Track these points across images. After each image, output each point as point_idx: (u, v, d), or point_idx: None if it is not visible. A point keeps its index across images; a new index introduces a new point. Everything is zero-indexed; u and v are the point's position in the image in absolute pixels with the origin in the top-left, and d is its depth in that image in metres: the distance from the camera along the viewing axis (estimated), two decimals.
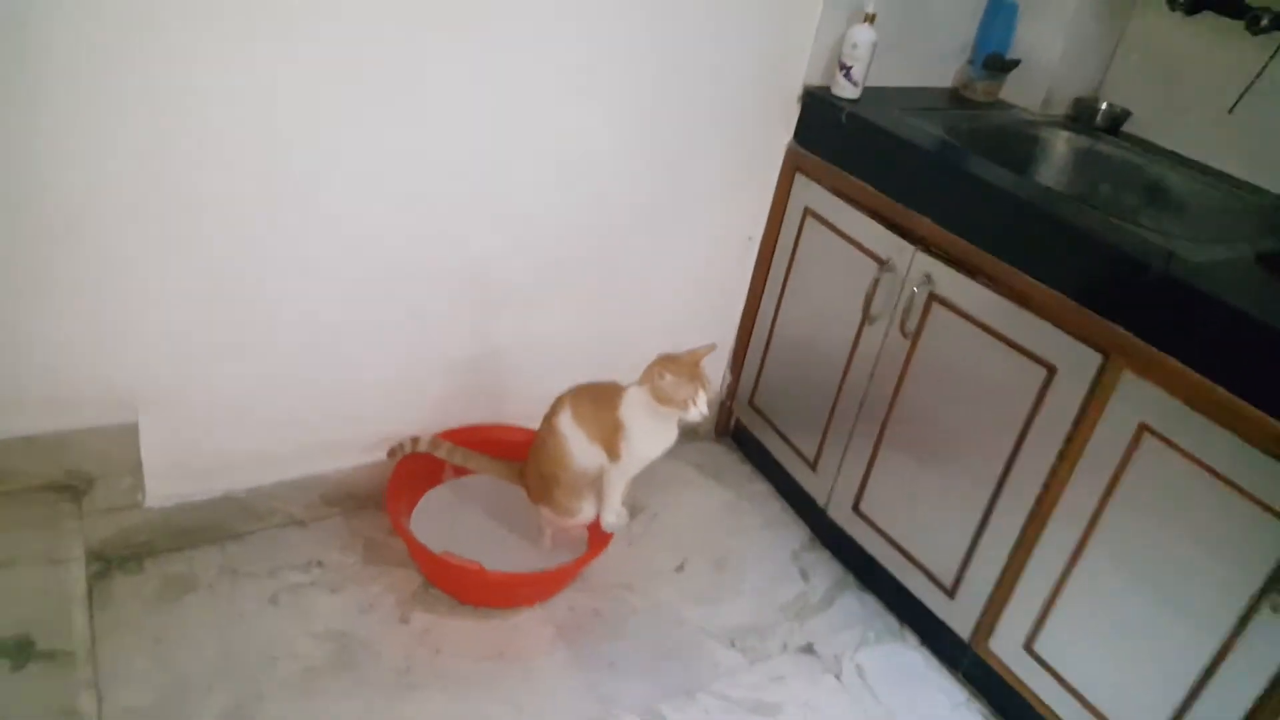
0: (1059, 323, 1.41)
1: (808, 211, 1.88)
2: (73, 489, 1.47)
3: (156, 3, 1.24)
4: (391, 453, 1.70)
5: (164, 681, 1.39)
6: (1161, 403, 1.28)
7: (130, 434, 1.49)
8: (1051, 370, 1.42)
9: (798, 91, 1.86)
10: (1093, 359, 1.36)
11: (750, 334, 2.08)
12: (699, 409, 1.48)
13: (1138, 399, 1.31)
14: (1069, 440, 1.41)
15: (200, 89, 1.32)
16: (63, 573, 1.34)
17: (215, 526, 1.65)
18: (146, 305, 1.43)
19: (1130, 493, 1.34)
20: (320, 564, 1.66)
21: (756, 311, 2.06)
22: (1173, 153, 1.86)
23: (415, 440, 1.70)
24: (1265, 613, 1.19)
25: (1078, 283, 1.39)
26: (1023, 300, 1.46)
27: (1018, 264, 1.46)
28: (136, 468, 1.52)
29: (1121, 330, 1.33)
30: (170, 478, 1.56)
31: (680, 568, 1.83)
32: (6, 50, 1.19)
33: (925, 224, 1.61)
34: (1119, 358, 1.33)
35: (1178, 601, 1.31)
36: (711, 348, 1.53)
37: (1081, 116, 1.98)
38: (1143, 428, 1.30)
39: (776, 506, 2.05)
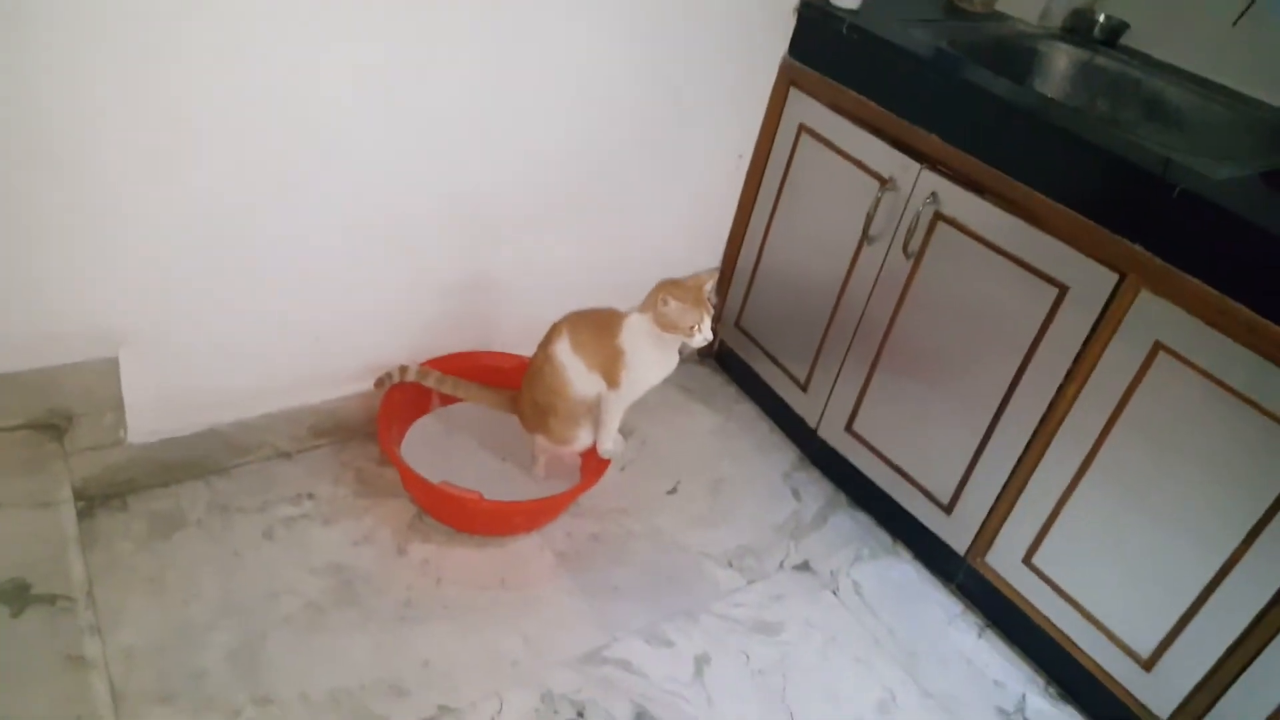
0: (1072, 241, 1.39)
1: (802, 128, 1.83)
2: (55, 428, 1.41)
3: None
4: (379, 382, 1.65)
5: (164, 621, 1.35)
6: (1179, 321, 1.28)
7: (111, 368, 1.42)
8: (1063, 290, 1.41)
9: (794, 2, 1.78)
10: (1108, 278, 1.36)
11: (738, 255, 2.05)
12: (704, 334, 1.45)
13: (1154, 318, 1.31)
14: (1078, 360, 1.41)
15: (187, 12, 1.22)
16: (53, 515, 1.29)
17: (200, 461, 1.59)
18: (127, 237, 1.35)
19: (1140, 412, 1.35)
20: (311, 496, 1.62)
21: (745, 232, 2.02)
22: (1172, 66, 1.83)
23: (404, 369, 1.65)
24: (1274, 528, 1.22)
25: (1093, 200, 1.37)
26: (1034, 219, 1.44)
27: (1029, 181, 1.44)
28: (118, 403, 1.45)
29: (1139, 249, 1.32)
30: (153, 413, 1.50)
31: (673, 490, 1.83)
32: None
33: (931, 141, 1.58)
34: (1136, 276, 1.33)
35: (1182, 519, 1.34)
36: (715, 272, 1.51)
37: (1079, 28, 1.93)
38: (1158, 346, 1.31)
39: (765, 428, 2.05)
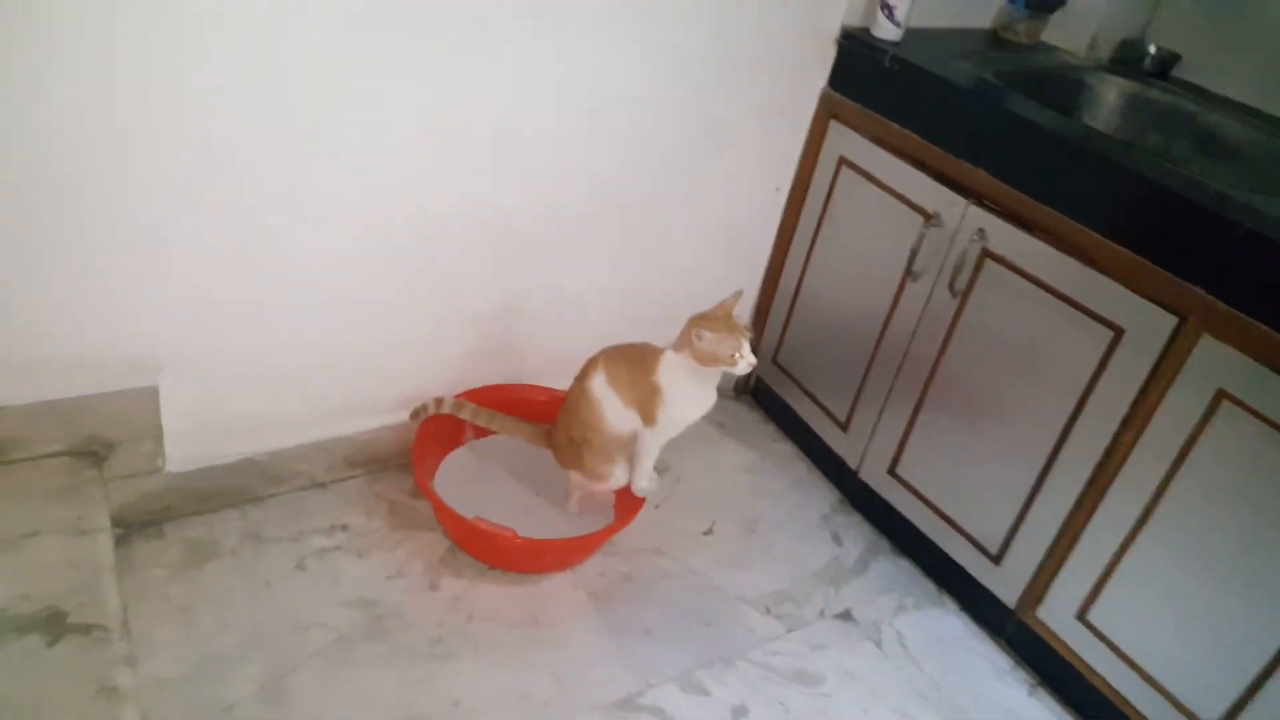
0: (1129, 282, 1.34)
1: (843, 161, 1.80)
2: (94, 455, 1.41)
3: None
4: (414, 414, 1.64)
5: (194, 652, 1.34)
6: (1244, 368, 1.23)
7: (150, 397, 1.43)
8: (1119, 332, 1.36)
9: (835, 33, 1.76)
10: (1166, 321, 1.30)
11: (775, 289, 2.01)
12: (746, 359, 1.42)
13: (1217, 364, 1.25)
14: (1135, 406, 1.36)
15: (212, 33, 1.23)
16: (90, 543, 1.29)
17: (236, 490, 1.59)
18: (167, 267, 1.36)
19: (1202, 462, 1.29)
20: (345, 528, 1.61)
21: (782, 266, 1.99)
22: (1227, 98, 1.78)
23: (439, 401, 1.64)
24: None
25: (1150, 239, 1.32)
26: (1087, 258, 1.39)
27: (1083, 219, 1.39)
28: (157, 432, 1.46)
29: (1200, 291, 1.26)
30: (190, 441, 1.50)
31: (709, 531, 1.79)
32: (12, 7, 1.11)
33: (978, 175, 1.54)
34: (1197, 320, 1.27)
35: (1250, 576, 1.27)
36: (738, 295, 1.48)
37: (1129, 60, 1.89)
38: (1221, 394, 1.25)
39: (802, 467, 2.00)
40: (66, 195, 1.25)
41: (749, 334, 1.44)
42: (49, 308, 1.32)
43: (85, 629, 1.17)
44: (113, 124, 1.23)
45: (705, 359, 1.42)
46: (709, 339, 1.40)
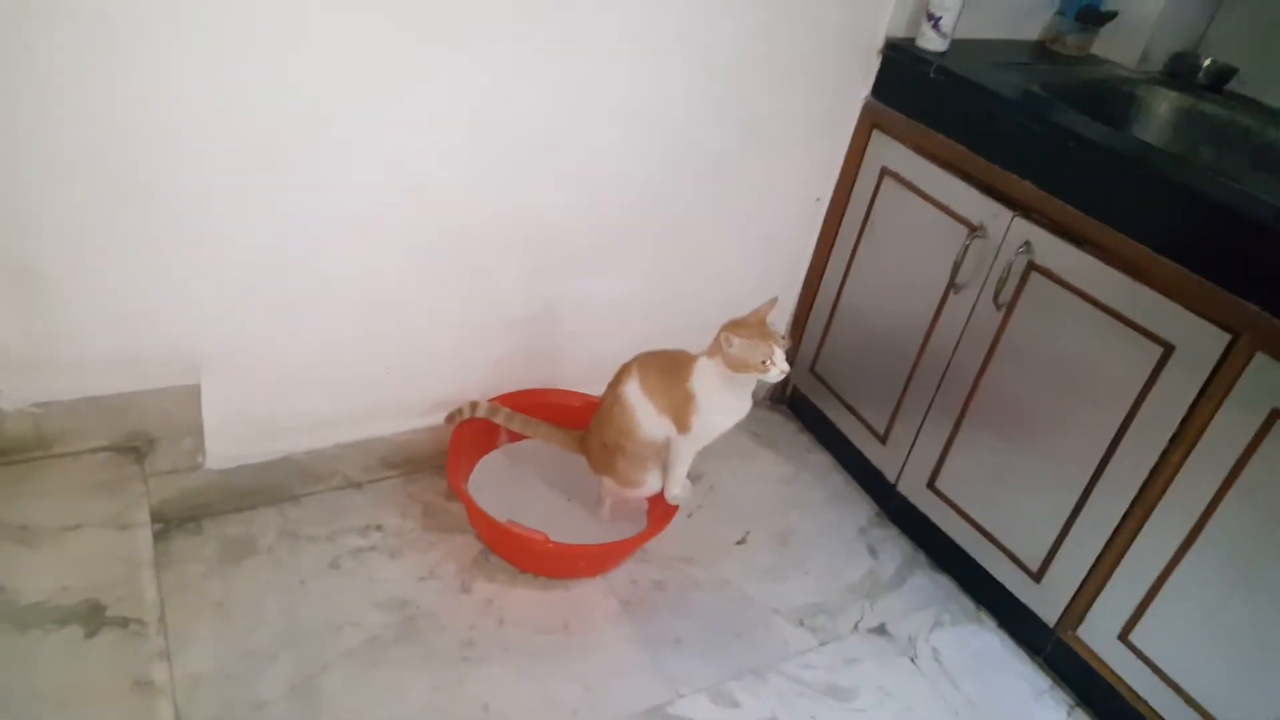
0: (1179, 298, 1.31)
1: (885, 171, 1.78)
2: (135, 450, 1.44)
3: None
4: (450, 418, 1.64)
5: (229, 648, 1.36)
6: None
7: (193, 395, 1.45)
8: (1169, 349, 1.33)
9: (879, 43, 1.75)
10: (1219, 338, 1.27)
11: (814, 299, 2.00)
12: (779, 366, 1.40)
13: (1271, 383, 1.22)
14: (1184, 424, 1.32)
15: (263, 38, 1.25)
16: (130, 538, 1.30)
17: (274, 488, 1.61)
18: (211, 268, 1.38)
19: (1253, 483, 1.25)
20: (379, 528, 1.62)
21: (822, 275, 1.97)
22: None
23: (474, 405, 1.64)
24: None
25: (1203, 254, 1.29)
26: (1137, 273, 1.36)
27: (1132, 233, 1.36)
28: (198, 429, 1.48)
29: (1254, 308, 1.23)
30: (231, 439, 1.52)
31: (742, 541, 1.77)
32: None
33: (1025, 187, 1.51)
34: (1250, 337, 1.24)
35: None
36: (773, 302, 1.46)
37: (1181, 73, 1.85)
38: (1275, 413, 1.21)
39: (839, 479, 1.98)
40: (114, 198, 1.27)
41: (784, 341, 1.42)
42: (95, 306, 1.34)
43: (123, 622, 1.19)
44: (160, 128, 1.25)
45: (737, 365, 1.41)
46: (739, 345, 1.39)
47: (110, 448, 1.42)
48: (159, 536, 1.48)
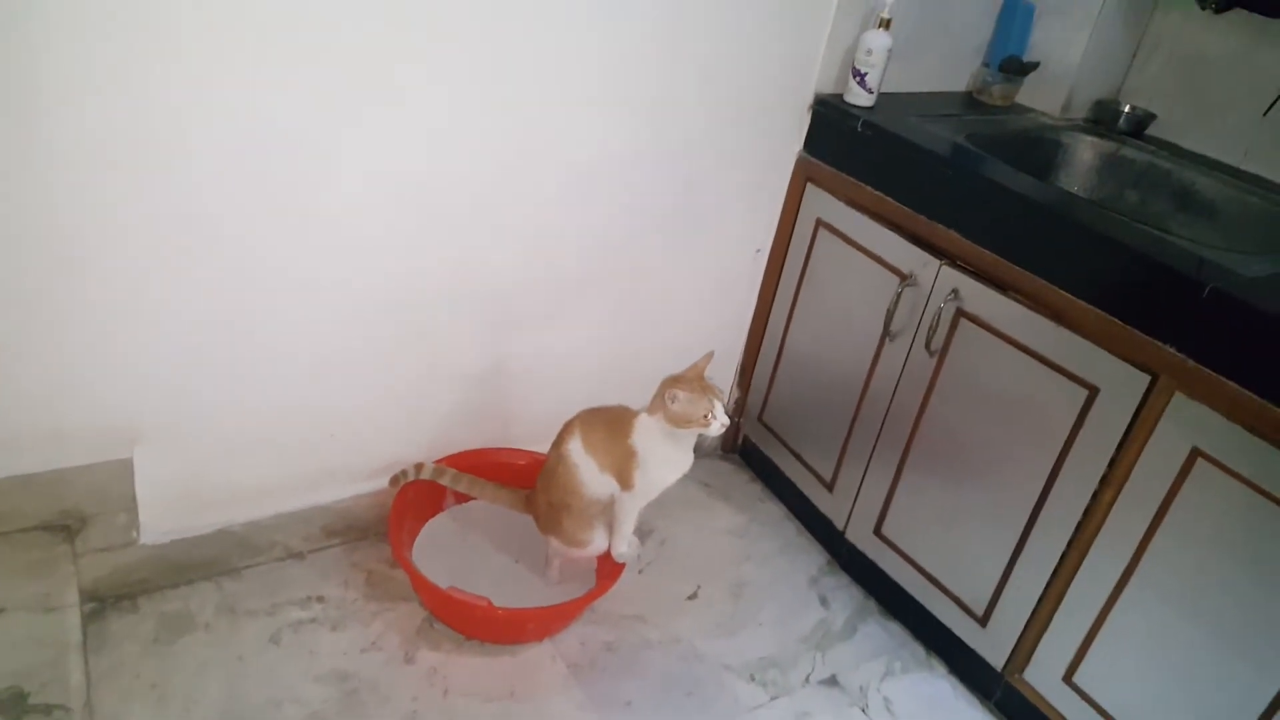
0: (1101, 341, 1.34)
1: (820, 223, 1.82)
2: (67, 529, 1.41)
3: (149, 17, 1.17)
4: (394, 480, 1.63)
5: None
6: (1216, 426, 1.22)
7: (126, 469, 1.43)
8: (1093, 391, 1.36)
9: (809, 100, 1.80)
10: (1139, 380, 1.30)
11: (759, 349, 2.02)
12: (720, 419, 1.42)
13: (1190, 422, 1.24)
14: (1113, 464, 1.34)
15: (194, 105, 1.25)
16: (57, 620, 1.27)
17: (212, 562, 1.58)
18: (142, 338, 1.37)
19: (1181, 520, 1.27)
20: (321, 599, 1.59)
21: (765, 326, 1.99)
22: (1202, 156, 1.80)
23: (419, 467, 1.63)
24: None
25: (1121, 299, 1.32)
26: (1060, 317, 1.39)
27: (1054, 279, 1.40)
28: (131, 504, 1.45)
29: (1171, 350, 1.26)
30: (166, 513, 1.50)
31: (694, 596, 1.76)
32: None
33: (950, 237, 1.55)
34: (1169, 379, 1.27)
35: (1234, 636, 1.24)
36: (709, 356, 1.48)
37: (1104, 119, 1.92)
38: (1195, 452, 1.24)
39: (791, 529, 1.98)
40: (41, 270, 1.26)
41: (721, 395, 1.43)
42: (24, 381, 1.32)
43: (47, 709, 1.16)
44: (87, 200, 1.24)
45: (679, 421, 1.42)
46: (682, 399, 1.40)
47: (40, 526, 1.40)
48: (92, 616, 1.44)
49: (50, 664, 1.23)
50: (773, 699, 1.57)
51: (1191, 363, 1.24)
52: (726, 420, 1.43)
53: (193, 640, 1.47)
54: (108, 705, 1.32)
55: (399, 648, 1.53)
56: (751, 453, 2.11)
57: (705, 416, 1.41)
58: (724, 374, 2.07)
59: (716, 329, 2.00)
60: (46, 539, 1.40)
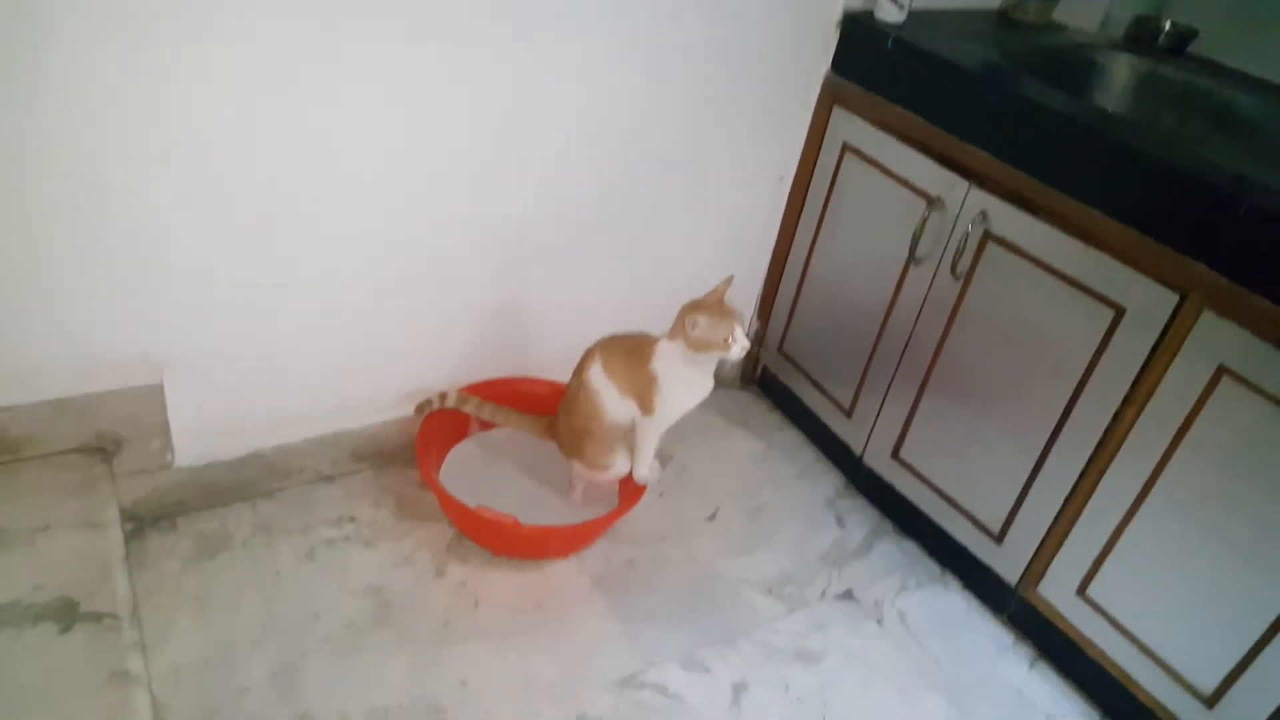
0: (1130, 261, 1.33)
1: (846, 147, 1.79)
2: (103, 451, 1.45)
3: None
4: (419, 409, 1.66)
5: (208, 640, 1.37)
6: (1244, 344, 1.21)
7: (156, 395, 1.45)
8: (1120, 311, 1.35)
9: (837, 17, 1.75)
10: (1168, 299, 1.29)
11: (780, 279, 2.01)
12: (740, 343, 1.43)
13: (1217, 340, 1.24)
14: (1136, 384, 1.35)
15: (215, 38, 1.24)
16: (101, 535, 1.32)
17: (246, 484, 1.62)
18: (171, 267, 1.38)
19: (1203, 438, 1.28)
20: (353, 519, 1.64)
21: (787, 255, 1.98)
22: (1245, 74, 1.74)
23: (443, 396, 1.66)
24: None
25: (1153, 218, 1.30)
26: (1090, 237, 1.38)
27: (1085, 199, 1.38)
28: (164, 428, 1.49)
29: (1202, 268, 1.25)
30: (199, 437, 1.53)
31: (712, 517, 1.80)
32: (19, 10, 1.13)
33: (981, 157, 1.53)
34: (1198, 297, 1.26)
35: (1249, 549, 1.26)
36: (729, 280, 1.48)
37: (1142, 37, 1.85)
38: (1221, 370, 1.24)
39: (808, 454, 2.01)
40: (74, 198, 1.27)
41: (741, 318, 1.44)
42: (57, 309, 1.34)
43: (97, 617, 1.21)
44: (121, 128, 1.25)
45: (699, 345, 1.43)
46: (703, 324, 1.41)
47: (78, 450, 1.43)
48: (133, 536, 1.49)
49: (97, 577, 1.27)
50: (790, 612, 1.62)
51: (1224, 280, 1.23)
52: (747, 344, 1.44)
53: (231, 557, 1.52)
54: (154, 615, 1.38)
55: (430, 563, 1.58)
56: (770, 383, 2.12)
57: (726, 340, 1.42)
58: (743, 305, 2.07)
59: (738, 258, 1.99)
60: (84, 461, 1.43)
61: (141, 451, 1.48)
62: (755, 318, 2.09)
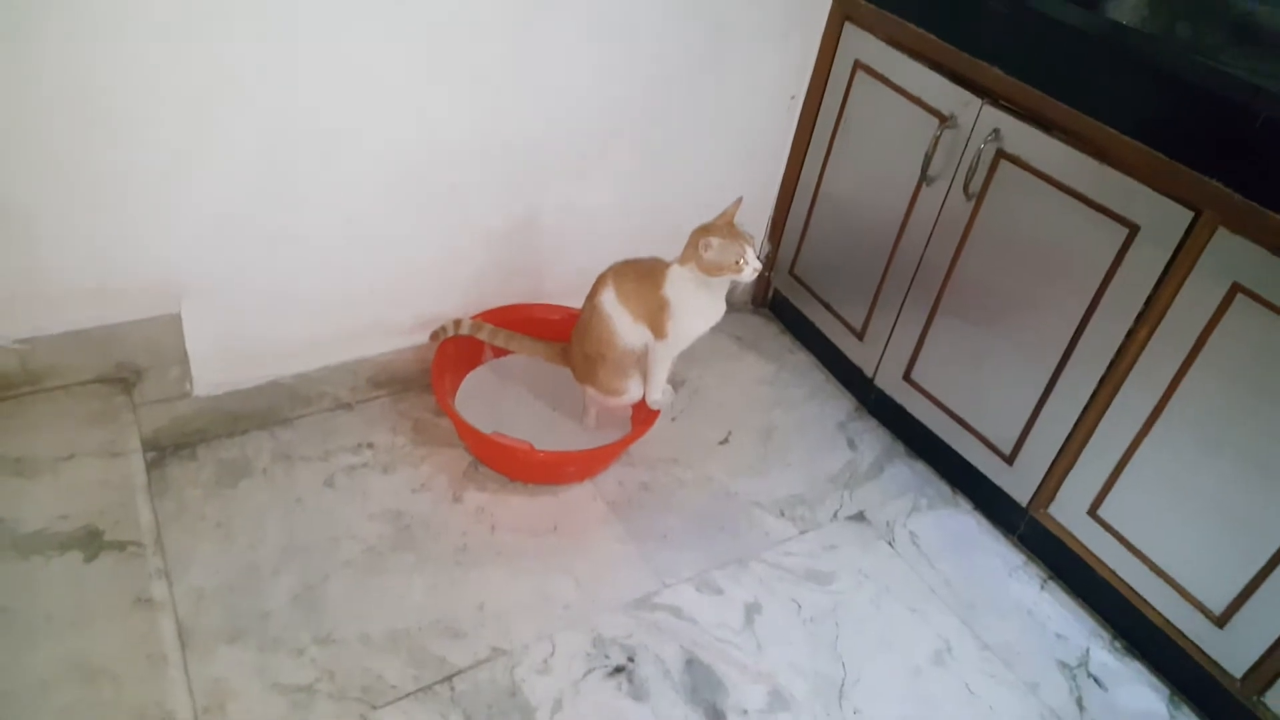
0: (1145, 178, 1.31)
1: (858, 65, 1.75)
2: (124, 381, 1.47)
3: None
4: (434, 335, 1.67)
5: (231, 564, 1.41)
6: (1259, 260, 1.20)
7: (175, 324, 1.46)
8: (1134, 229, 1.34)
9: None
10: (1182, 216, 1.28)
11: (791, 200, 1.99)
12: (751, 264, 1.42)
13: (1232, 257, 1.23)
14: (1149, 302, 1.34)
15: None
16: (123, 464, 1.34)
17: (265, 412, 1.64)
18: (185, 196, 1.38)
19: (1216, 356, 1.28)
20: (371, 445, 1.66)
21: (798, 176, 1.96)
22: None
23: (458, 323, 1.66)
24: None
25: (1167, 134, 1.28)
26: (1103, 155, 1.36)
27: (1099, 115, 1.35)
28: (183, 357, 1.50)
29: (1217, 184, 1.23)
30: (217, 366, 1.55)
31: (725, 440, 1.82)
32: None
33: (993, 74, 1.49)
34: (1212, 214, 1.25)
35: (1262, 465, 1.27)
36: (739, 201, 1.47)
37: None
38: (1236, 288, 1.23)
39: (820, 377, 2.01)
40: (87, 128, 1.26)
41: (752, 240, 1.43)
42: (73, 240, 1.35)
43: (120, 545, 1.24)
44: (132, 54, 1.23)
45: (711, 269, 1.42)
46: (715, 247, 1.40)
47: (98, 379, 1.45)
48: (154, 464, 1.52)
49: (120, 505, 1.30)
50: (802, 533, 1.65)
51: (1238, 196, 1.21)
52: (759, 265, 1.43)
53: (252, 484, 1.55)
54: (177, 542, 1.41)
55: (447, 488, 1.61)
56: (782, 305, 2.12)
57: (738, 263, 1.41)
58: (755, 227, 2.05)
59: (749, 180, 1.97)
60: (105, 390, 1.46)
61: (161, 380, 1.50)
62: (766, 240, 2.08)
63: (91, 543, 1.23)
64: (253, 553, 1.44)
